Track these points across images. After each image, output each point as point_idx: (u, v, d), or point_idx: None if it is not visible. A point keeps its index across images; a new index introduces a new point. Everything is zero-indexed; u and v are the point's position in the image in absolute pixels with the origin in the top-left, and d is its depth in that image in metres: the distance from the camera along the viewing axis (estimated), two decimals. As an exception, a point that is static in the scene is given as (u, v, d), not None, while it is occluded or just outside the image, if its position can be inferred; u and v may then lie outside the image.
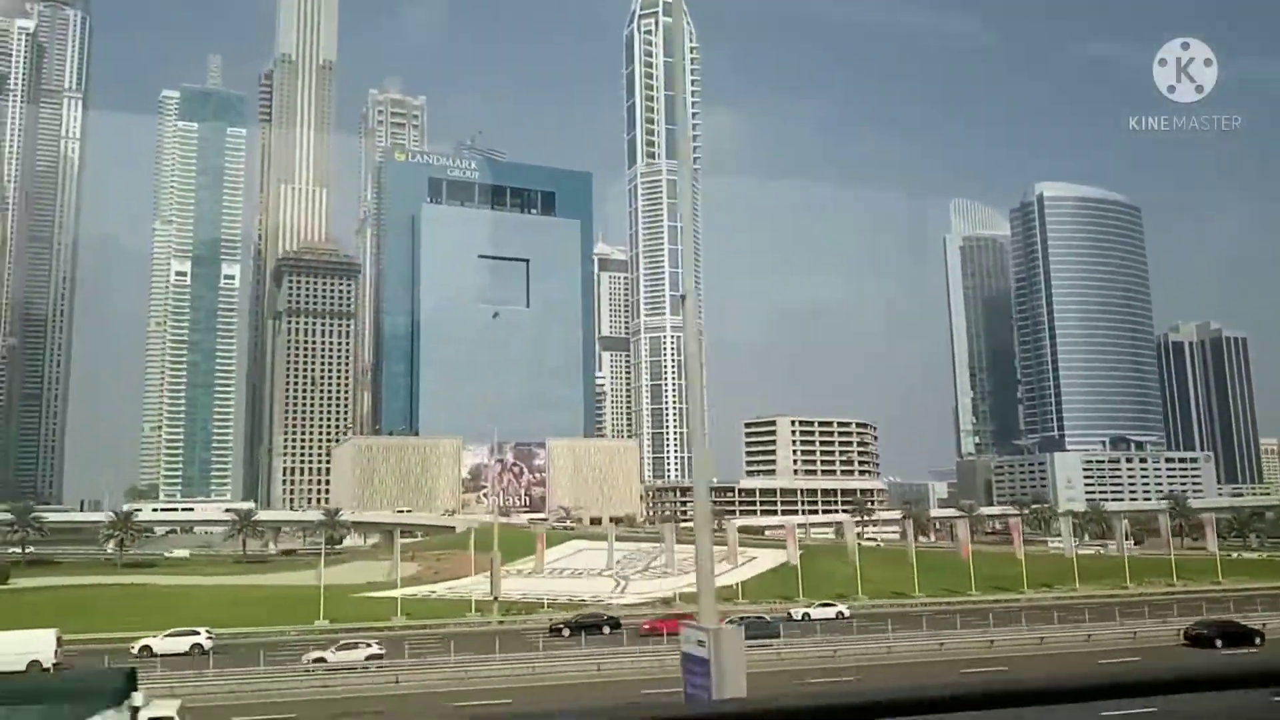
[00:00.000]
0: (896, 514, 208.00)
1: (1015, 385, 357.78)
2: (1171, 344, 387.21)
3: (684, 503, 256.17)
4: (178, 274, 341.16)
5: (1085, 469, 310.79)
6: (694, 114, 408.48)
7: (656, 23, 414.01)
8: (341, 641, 55.75)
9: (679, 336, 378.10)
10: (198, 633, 59.75)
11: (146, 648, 57.44)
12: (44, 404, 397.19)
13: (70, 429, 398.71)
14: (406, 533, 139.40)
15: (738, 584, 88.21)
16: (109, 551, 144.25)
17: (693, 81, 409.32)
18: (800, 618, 69.19)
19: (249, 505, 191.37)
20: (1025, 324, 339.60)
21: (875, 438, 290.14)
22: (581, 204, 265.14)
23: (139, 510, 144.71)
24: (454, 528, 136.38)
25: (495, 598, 71.01)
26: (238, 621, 68.73)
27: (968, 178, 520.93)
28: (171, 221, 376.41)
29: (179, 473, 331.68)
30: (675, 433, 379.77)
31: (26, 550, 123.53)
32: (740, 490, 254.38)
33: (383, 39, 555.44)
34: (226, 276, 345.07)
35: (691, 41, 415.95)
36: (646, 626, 61.93)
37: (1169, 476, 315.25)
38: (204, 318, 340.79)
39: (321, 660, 51.00)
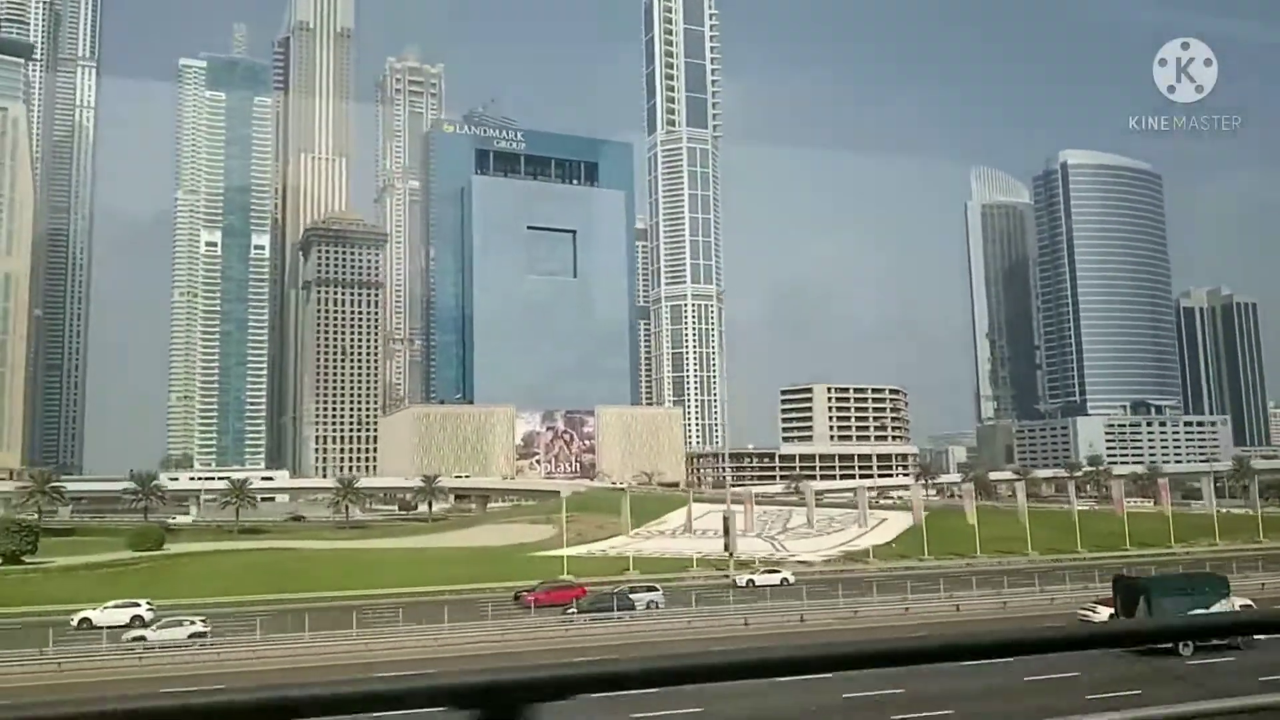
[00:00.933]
0: (955, 477, 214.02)
1: (1034, 351, 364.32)
2: (1183, 309, 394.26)
3: (730, 468, 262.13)
4: (208, 244, 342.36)
5: (1108, 433, 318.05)
6: (714, 81, 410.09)
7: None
8: (163, 620, 53.45)
9: (700, 304, 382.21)
10: (138, 604, 58.04)
11: (86, 619, 55.64)
12: (64, 374, 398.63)
13: (90, 399, 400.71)
14: (497, 496, 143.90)
15: (869, 546, 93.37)
16: (197, 520, 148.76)
17: (712, 49, 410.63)
18: (745, 584, 68.74)
19: (329, 480, 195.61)
20: (1048, 290, 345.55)
21: (905, 404, 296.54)
22: (623, 174, 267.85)
23: (232, 479, 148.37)
24: (558, 491, 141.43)
25: (731, 554, 75.93)
26: (458, 579, 72.85)
27: (987, 145, 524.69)
28: (195, 191, 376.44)
29: (213, 442, 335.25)
30: (697, 400, 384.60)
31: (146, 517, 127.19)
32: (780, 456, 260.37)
33: (398, 5, 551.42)
34: (256, 247, 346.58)
35: (711, 8, 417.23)
36: (531, 599, 59.29)
37: (1187, 440, 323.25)
38: (234, 288, 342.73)
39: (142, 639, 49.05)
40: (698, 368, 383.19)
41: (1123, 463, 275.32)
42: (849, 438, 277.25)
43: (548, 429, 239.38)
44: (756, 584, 68.89)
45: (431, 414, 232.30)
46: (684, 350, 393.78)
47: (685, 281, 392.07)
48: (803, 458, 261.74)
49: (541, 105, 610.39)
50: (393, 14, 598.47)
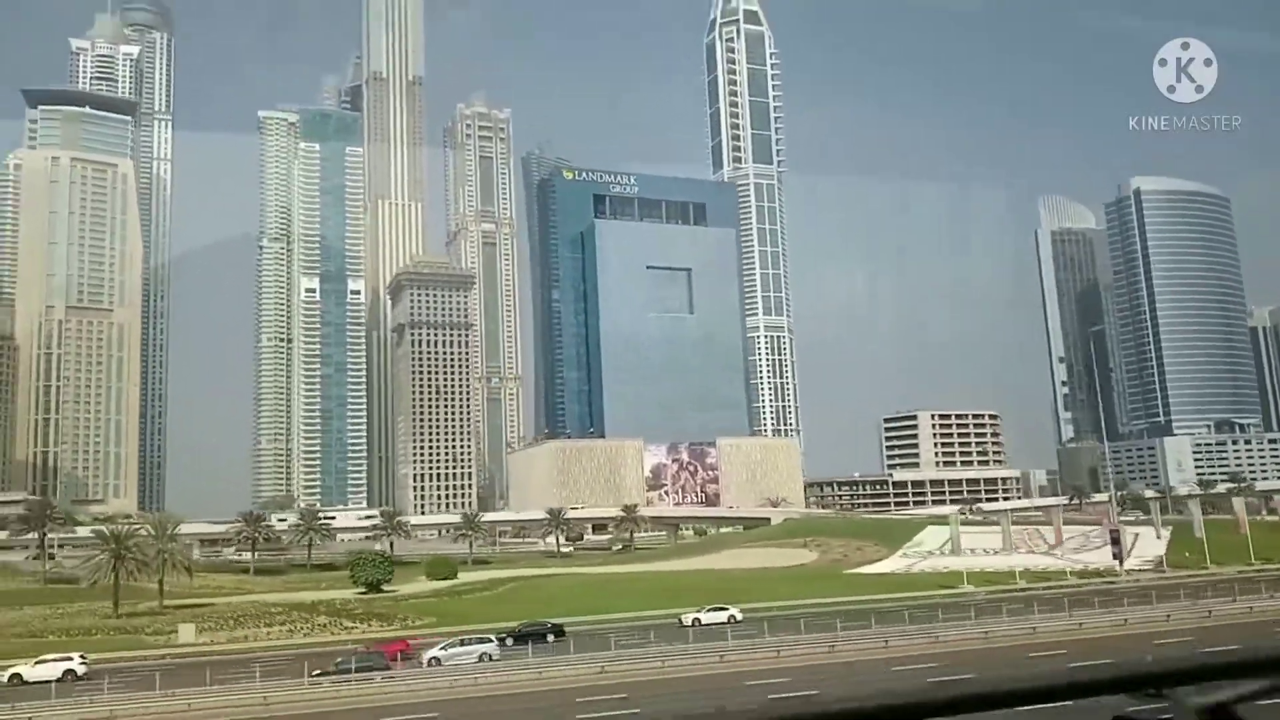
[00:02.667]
0: (1102, 497, 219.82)
1: (1110, 374, 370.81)
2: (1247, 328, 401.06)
3: (845, 495, 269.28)
4: (306, 290, 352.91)
5: (1195, 452, 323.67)
6: (777, 118, 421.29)
7: (738, 30, 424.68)
8: (43, 657, 55.49)
9: (773, 336, 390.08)
10: (70, 658, 56.81)
11: (16, 675, 54.65)
12: (148, 420, 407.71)
13: (171, 443, 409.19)
14: (667, 523, 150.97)
15: (1158, 557, 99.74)
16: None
17: (774, 86, 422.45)
18: (690, 623, 65.77)
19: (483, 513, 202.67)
20: (1124, 313, 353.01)
21: (999, 429, 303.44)
22: (729, 212, 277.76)
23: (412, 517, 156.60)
24: (769, 519, 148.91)
25: (1121, 564, 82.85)
26: (781, 595, 79.69)
27: (1054, 173, 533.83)
28: (281, 239, 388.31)
29: (316, 483, 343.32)
30: (772, 429, 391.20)
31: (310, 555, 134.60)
32: (893, 483, 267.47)
33: (465, 53, 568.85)
34: (353, 292, 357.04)
35: (771, 47, 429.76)
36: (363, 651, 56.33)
37: (1272, 457, 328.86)
38: (333, 332, 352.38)
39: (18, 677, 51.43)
40: (773, 398, 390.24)
41: (1210, 480, 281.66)
42: (952, 463, 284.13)
43: (673, 460, 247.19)
44: (703, 622, 65.52)
45: (567, 449, 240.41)
46: (759, 381, 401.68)
47: (758, 314, 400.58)
48: (914, 484, 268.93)
49: (606, 146, 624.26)
50: (460, 62, 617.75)
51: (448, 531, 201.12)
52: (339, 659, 51.84)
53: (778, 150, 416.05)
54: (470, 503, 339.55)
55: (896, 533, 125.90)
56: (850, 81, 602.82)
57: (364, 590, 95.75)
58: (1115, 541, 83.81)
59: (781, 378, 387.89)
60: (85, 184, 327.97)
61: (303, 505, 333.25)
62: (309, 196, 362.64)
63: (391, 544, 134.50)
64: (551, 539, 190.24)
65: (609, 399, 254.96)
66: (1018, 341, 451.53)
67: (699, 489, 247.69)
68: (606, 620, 69.87)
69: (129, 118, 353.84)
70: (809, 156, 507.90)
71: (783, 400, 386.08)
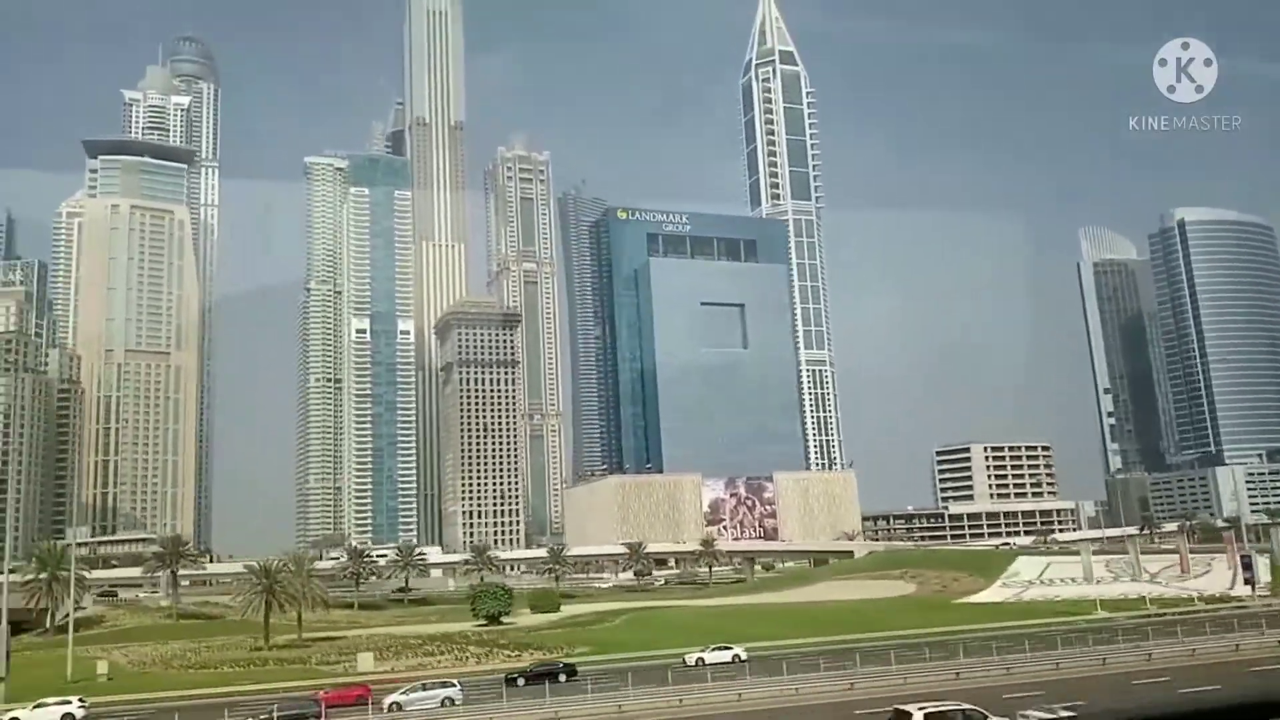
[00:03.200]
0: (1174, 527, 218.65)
1: (1156, 404, 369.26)
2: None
3: (899, 529, 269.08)
4: (357, 331, 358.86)
5: (1249, 481, 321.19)
6: (814, 155, 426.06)
7: (774, 70, 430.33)
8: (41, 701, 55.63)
9: (816, 370, 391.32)
10: (69, 701, 55.96)
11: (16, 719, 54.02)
12: (197, 460, 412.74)
13: (215, 482, 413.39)
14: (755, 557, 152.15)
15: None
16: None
17: (811, 124, 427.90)
18: (694, 663, 63.86)
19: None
20: (1171, 343, 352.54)
21: (1051, 460, 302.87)
22: (779, 249, 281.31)
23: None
24: (851, 552, 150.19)
25: (1253, 589, 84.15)
26: (909, 626, 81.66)
27: (1094, 204, 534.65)
28: (329, 281, 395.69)
29: (369, 520, 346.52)
30: (817, 463, 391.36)
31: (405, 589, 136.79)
32: (949, 516, 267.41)
33: (504, 97, 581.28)
34: (402, 332, 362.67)
35: (808, 86, 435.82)
36: (323, 696, 54.42)
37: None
38: (383, 372, 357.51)
39: None
40: (815, 431, 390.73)
41: (1265, 509, 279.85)
42: (1006, 495, 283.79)
43: (731, 495, 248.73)
44: (706, 662, 63.76)
45: (627, 484, 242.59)
46: (803, 415, 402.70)
47: (800, 349, 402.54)
48: (970, 516, 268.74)
49: (643, 185, 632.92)
50: (499, 105, 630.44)
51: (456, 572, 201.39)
52: (274, 706, 49.96)
53: (815, 187, 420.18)
54: (519, 538, 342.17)
55: (984, 563, 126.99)
56: (886, 118, 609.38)
57: (484, 622, 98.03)
58: (1247, 567, 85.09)
59: (824, 411, 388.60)
60: (144, 230, 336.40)
61: (354, 543, 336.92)
62: (360, 239, 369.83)
63: (482, 576, 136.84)
64: (617, 573, 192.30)
65: (666, 434, 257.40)
66: (1061, 373, 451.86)
67: (757, 524, 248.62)
68: (784, 646, 71.39)
69: (184, 165, 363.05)
70: (847, 192, 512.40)
71: (826, 434, 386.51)
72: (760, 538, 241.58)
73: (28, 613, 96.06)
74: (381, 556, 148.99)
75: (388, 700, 52.36)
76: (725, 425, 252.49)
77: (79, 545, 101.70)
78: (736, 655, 65.24)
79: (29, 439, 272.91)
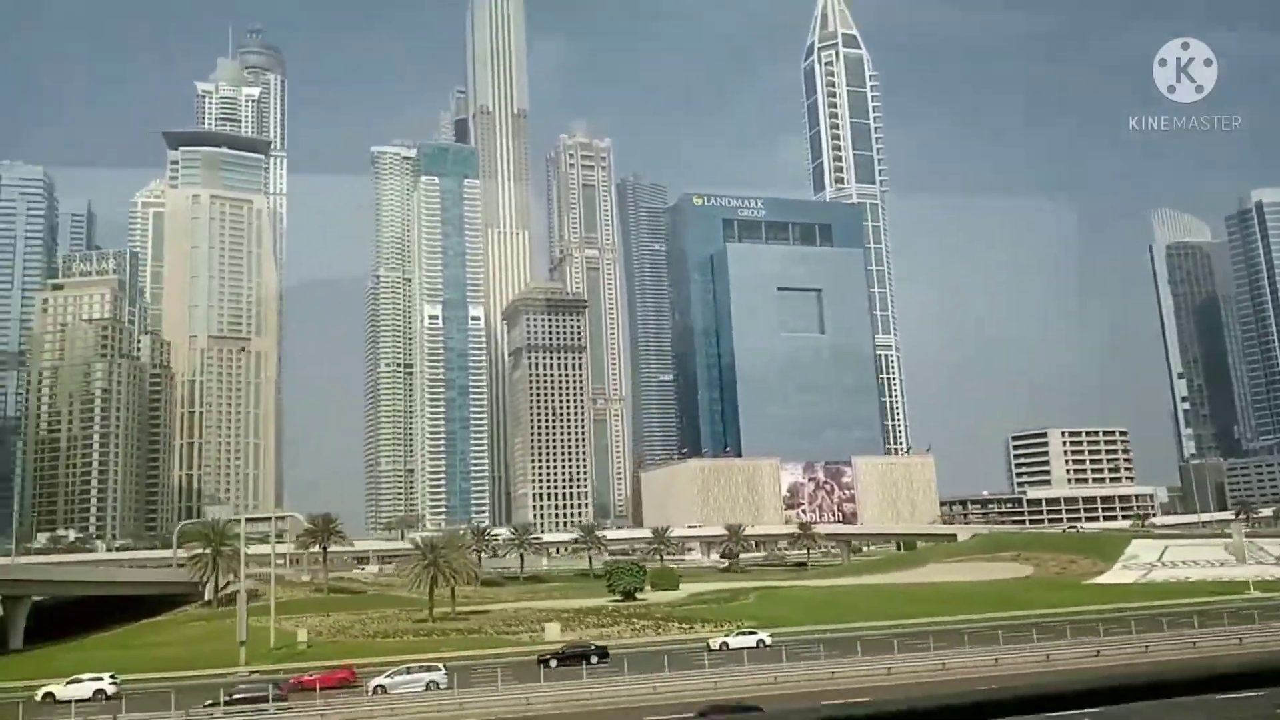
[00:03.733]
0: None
1: (1231, 389, 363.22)
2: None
3: (976, 513, 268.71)
4: (430, 317, 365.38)
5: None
6: (878, 139, 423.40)
7: (836, 54, 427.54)
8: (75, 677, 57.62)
9: (882, 354, 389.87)
10: (100, 678, 57.84)
11: (49, 694, 55.72)
12: (276, 443, 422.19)
13: (286, 464, 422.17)
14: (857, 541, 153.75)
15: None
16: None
17: (875, 108, 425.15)
18: (719, 647, 63.56)
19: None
20: (1249, 327, 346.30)
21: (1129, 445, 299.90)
22: (855, 233, 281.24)
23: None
24: (954, 535, 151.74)
25: None
26: (1034, 605, 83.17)
27: (1167, 187, 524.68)
28: (398, 268, 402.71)
29: (443, 502, 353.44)
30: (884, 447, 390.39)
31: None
32: (1028, 500, 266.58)
33: (565, 84, 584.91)
34: (473, 318, 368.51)
35: (871, 69, 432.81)
36: (293, 682, 55.02)
37: None
38: (455, 357, 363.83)
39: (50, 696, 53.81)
40: (882, 416, 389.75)
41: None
42: (1084, 480, 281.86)
43: (809, 479, 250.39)
44: (731, 646, 63.61)
45: (706, 468, 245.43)
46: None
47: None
48: (1048, 501, 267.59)
49: (703, 170, 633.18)
50: (560, 93, 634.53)
51: (559, 551, 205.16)
52: (237, 687, 51.34)
53: (879, 170, 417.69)
54: (587, 520, 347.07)
55: (1096, 547, 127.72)
56: (951, 101, 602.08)
57: (619, 598, 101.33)
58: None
59: (889, 396, 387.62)
60: (223, 220, 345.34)
61: (429, 524, 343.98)
62: (431, 227, 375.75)
63: (590, 556, 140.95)
64: (709, 554, 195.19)
65: (745, 418, 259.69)
66: (1133, 357, 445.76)
67: (836, 508, 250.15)
68: (940, 622, 73.45)
69: (261, 156, 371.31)
70: (910, 176, 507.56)
71: (892, 419, 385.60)
72: (839, 522, 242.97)
73: (191, 586, 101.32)
74: (495, 536, 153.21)
75: (372, 683, 52.95)
76: (804, 409, 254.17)
77: (223, 522, 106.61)
78: (761, 640, 64.61)
79: (125, 423, 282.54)
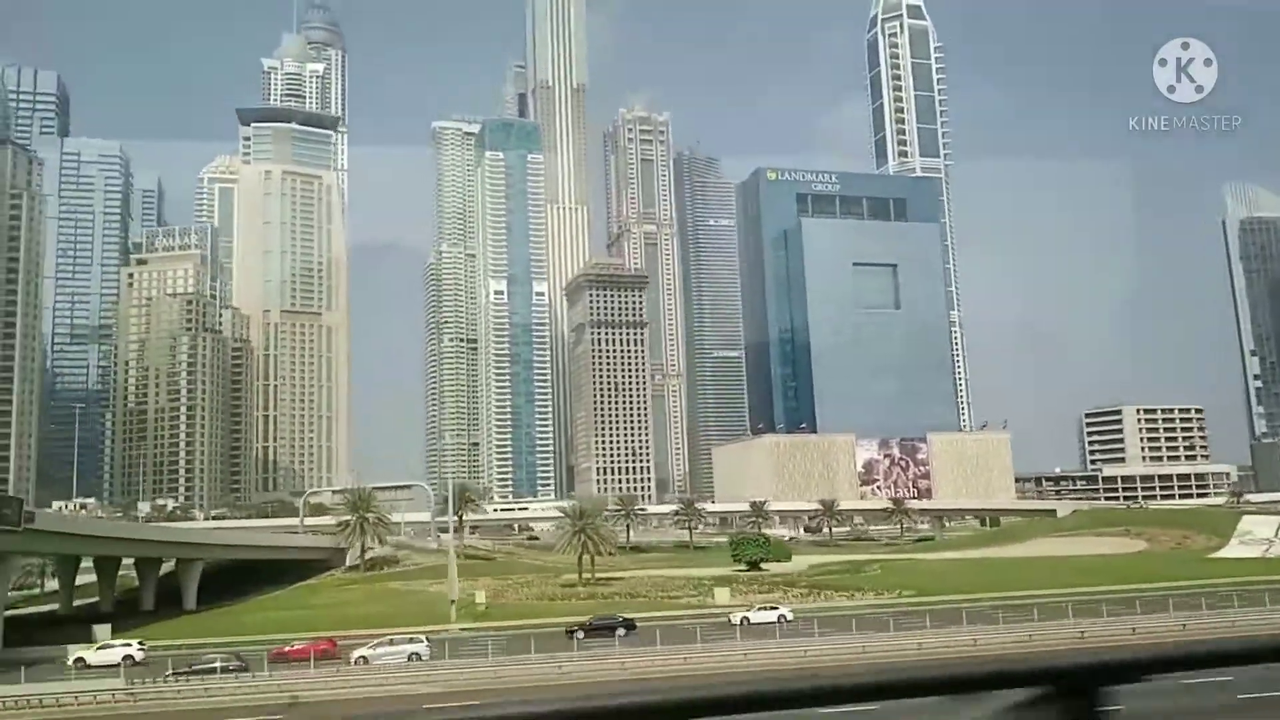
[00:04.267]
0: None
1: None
2: None
3: (1051, 490, 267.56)
4: (495, 293, 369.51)
5: None
6: (943, 111, 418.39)
7: (900, 25, 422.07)
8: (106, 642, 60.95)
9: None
10: (130, 645, 60.68)
11: (80, 659, 58.03)
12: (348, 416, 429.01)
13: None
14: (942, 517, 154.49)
15: None
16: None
17: (939, 80, 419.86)
18: (740, 622, 64.03)
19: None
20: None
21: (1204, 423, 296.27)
22: (930, 207, 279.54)
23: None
24: (1054, 511, 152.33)
25: None
26: (1192, 576, 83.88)
27: (1240, 158, 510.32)
28: (459, 244, 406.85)
29: (509, 476, 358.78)
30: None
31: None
32: (1103, 478, 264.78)
33: (623, 58, 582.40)
34: (537, 293, 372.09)
35: (935, 41, 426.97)
36: (275, 653, 54.93)
37: None
38: (520, 332, 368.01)
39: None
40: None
41: None
42: (1158, 458, 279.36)
43: (884, 455, 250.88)
44: (752, 621, 64.49)
45: (781, 443, 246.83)
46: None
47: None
48: (1124, 478, 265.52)
49: (764, 145, 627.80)
50: (618, 66, 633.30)
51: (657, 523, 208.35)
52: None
53: (944, 143, 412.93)
54: (650, 495, 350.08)
55: (1203, 522, 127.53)
56: (1015, 70, 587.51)
57: (745, 567, 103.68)
58: None
59: (954, 371, 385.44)
60: (294, 195, 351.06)
61: (497, 498, 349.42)
62: (496, 202, 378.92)
63: (691, 527, 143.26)
64: (799, 529, 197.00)
65: (819, 395, 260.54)
66: (1201, 334, 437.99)
67: (911, 484, 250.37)
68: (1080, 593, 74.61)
69: (330, 132, 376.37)
70: (973, 148, 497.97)
71: (957, 396, 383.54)
72: (914, 498, 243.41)
73: (331, 552, 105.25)
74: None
75: (355, 654, 53.49)
76: (879, 386, 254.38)
77: (368, 490, 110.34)
78: (782, 615, 64.92)
79: (209, 395, 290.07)
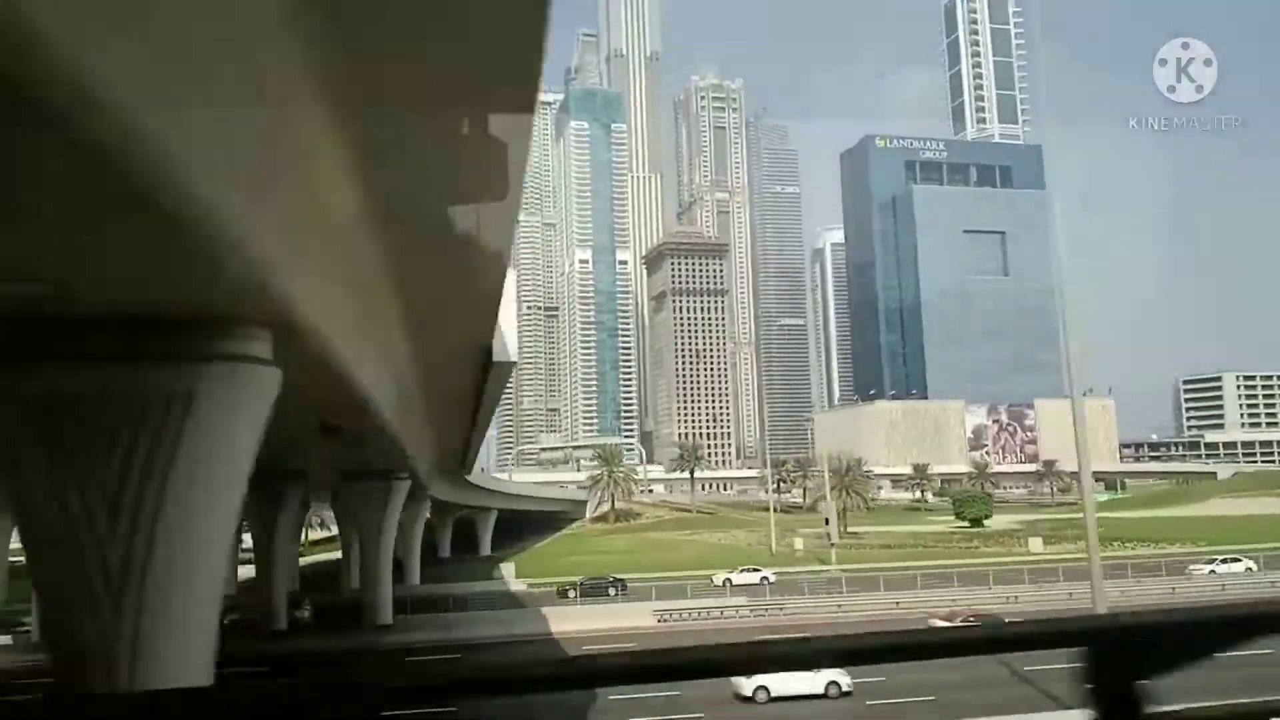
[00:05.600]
0: None
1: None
2: None
3: (1154, 457, 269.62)
4: (580, 261, 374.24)
5: None
6: (1021, 78, 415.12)
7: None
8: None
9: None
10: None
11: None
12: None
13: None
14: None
15: None
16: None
17: (1019, 45, 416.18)
18: (721, 584, 65.92)
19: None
20: None
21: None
22: (1034, 175, 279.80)
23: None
24: (1214, 474, 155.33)
25: None
26: None
27: None
28: (536, 213, 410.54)
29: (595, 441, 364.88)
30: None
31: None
32: (1205, 444, 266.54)
33: (699, 27, 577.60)
34: (620, 262, 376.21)
35: (1014, 6, 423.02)
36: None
37: None
38: (604, 300, 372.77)
39: None
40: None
41: None
42: (1258, 424, 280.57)
43: (993, 422, 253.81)
44: (734, 583, 66.07)
45: (892, 409, 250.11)
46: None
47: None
48: (1225, 445, 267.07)
49: (837, 109, 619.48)
50: (693, 35, 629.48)
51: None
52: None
53: (1022, 110, 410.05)
54: (730, 460, 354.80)
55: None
56: (1104, 25, 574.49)
57: (968, 524, 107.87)
58: None
59: (1061, 338, 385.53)
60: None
61: (583, 465, 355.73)
62: (581, 172, 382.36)
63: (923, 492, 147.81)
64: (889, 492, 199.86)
65: (930, 361, 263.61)
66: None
67: (1019, 449, 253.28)
68: None
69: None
70: (1056, 111, 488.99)
71: (1063, 363, 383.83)
72: (1023, 462, 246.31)
73: (574, 505, 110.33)
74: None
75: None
76: (987, 353, 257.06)
77: (619, 446, 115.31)
78: (765, 578, 66.91)
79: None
